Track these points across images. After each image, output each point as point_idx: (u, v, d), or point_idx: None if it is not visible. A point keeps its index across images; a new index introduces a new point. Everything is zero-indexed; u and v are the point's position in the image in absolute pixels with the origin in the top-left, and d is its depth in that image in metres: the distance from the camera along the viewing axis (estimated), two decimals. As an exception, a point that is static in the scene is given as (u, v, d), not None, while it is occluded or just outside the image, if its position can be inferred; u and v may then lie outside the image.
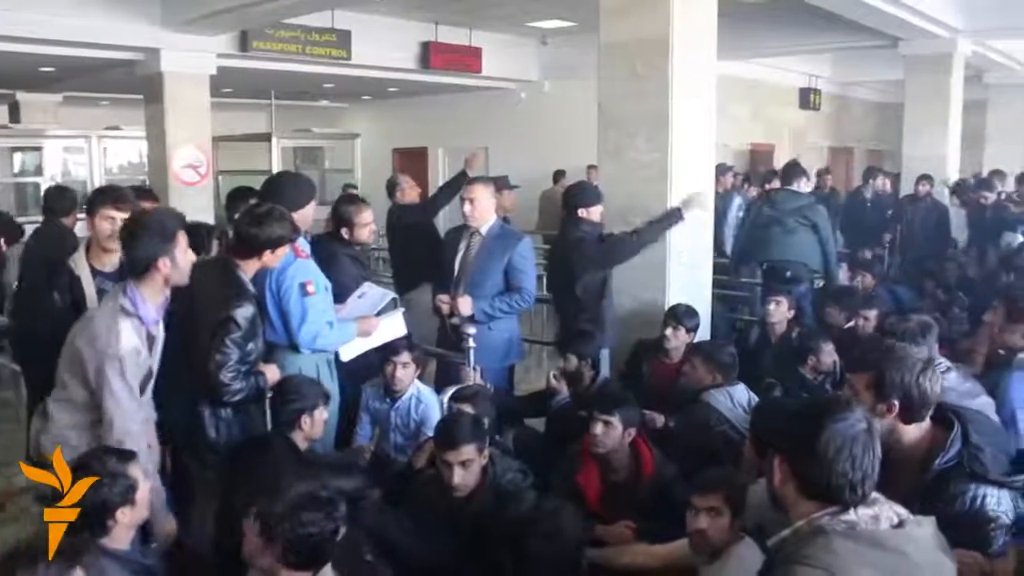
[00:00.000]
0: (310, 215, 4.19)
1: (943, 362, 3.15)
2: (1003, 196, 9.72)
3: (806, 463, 1.91)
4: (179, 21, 8.70)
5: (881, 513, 1.88)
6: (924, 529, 1.91)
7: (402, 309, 4.48)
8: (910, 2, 8.75)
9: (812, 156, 15.23)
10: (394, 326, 4.35)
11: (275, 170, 13.00)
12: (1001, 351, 3.94)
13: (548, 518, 2.78)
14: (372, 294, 4.48)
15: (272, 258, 3.66)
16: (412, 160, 15.72)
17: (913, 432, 2.38)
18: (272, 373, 3.70)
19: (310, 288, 3.90)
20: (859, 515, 1.86)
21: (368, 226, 4.86)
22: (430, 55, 11.47)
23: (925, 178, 9.65)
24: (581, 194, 5.32)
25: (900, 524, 1.89)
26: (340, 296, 4.35)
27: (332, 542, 2.41)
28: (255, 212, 3.70)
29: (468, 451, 3.26)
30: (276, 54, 10.02)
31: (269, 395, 3.72)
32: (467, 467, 3.26)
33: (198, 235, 4.77)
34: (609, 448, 3.56)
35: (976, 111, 13.20)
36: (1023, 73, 13.39)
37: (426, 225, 6.95)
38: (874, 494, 1.92)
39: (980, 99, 13.59)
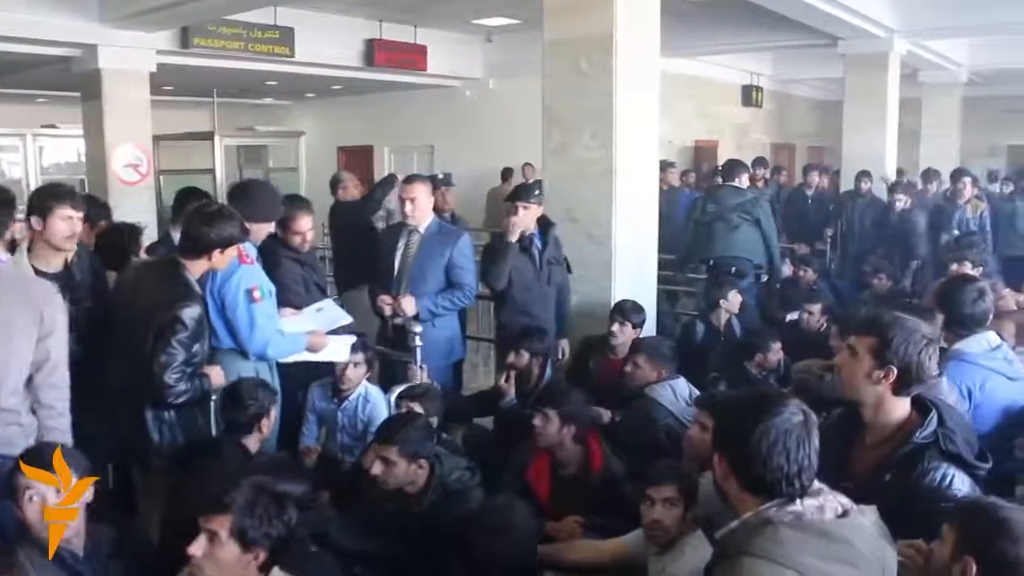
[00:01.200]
0: (269, 229, 4.18)
1: None
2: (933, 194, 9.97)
3: (741, 459, 1.94)
4: (117, 16, 8.51)
5: (826, 503, 1.92)
6: (867, 518, 1.95)
7: (352, 337, 4.39)
8: (847, 2, 8.92)
9: (755, 152, 15.44)
10: (339, 349, 4.27)
11: (218, 169, 12.87)
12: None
13: (499, 515, 2.78)
14: (330, 313, 4.42)
15: (221, 259, 3.61)
16: (358, 159, 15.61)
17: (898, 407, 2.43)
18: (216, 375, 3.65)
19: (256, 294, 3.84)
20: (805, 506, 1.89)
21: (301, 234, 4.79)
22: (374, 53, 11.39)
23: (864, 175, 9.84)
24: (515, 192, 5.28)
25: (844, 513, 1.93)
26: (282, 299, 4.30)
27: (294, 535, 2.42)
28: (204, 211, 3.64)
29: (391, 451, 3.22)
30: (218, 51, 9.87)
31: (213, 398, 3.68)
32: (388, 465, 3.22)
33: (123, 236, 4.69)
34: (549, 442, 3.59)
35: (912, 109, 13.50)
36: (955, 72, 13.74)
37: (365, 223, 6.88)
38: (818, 484, 1.96)
39: (915, 97, 13.90)
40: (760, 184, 10.54)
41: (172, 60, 9.84)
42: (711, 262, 6.96)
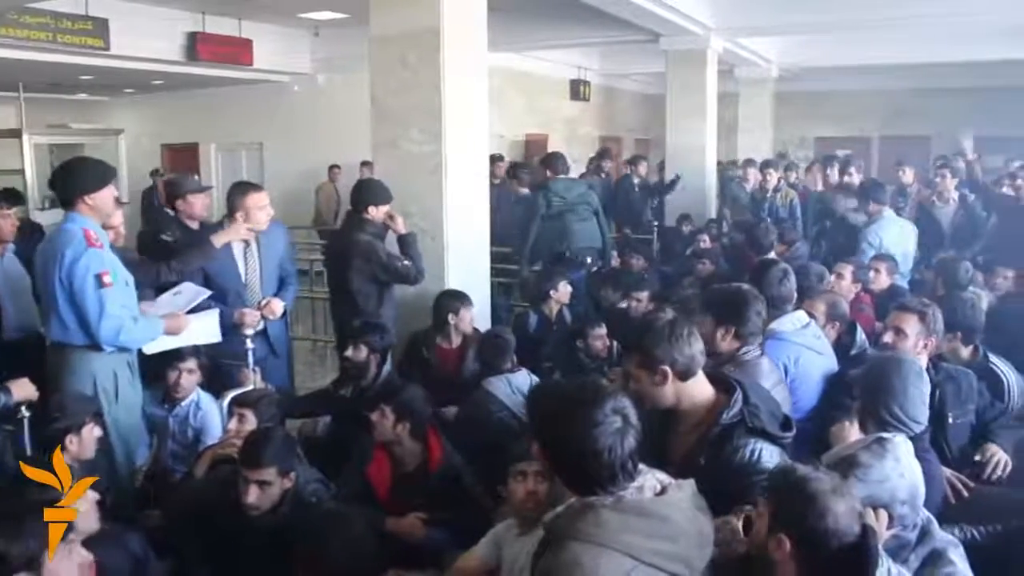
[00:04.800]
0: (108, 198, 3.86)
1: (750, 350, 3.34)
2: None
3: (563, 458, 2.01)
4: (-102, 3, 7.80)
5: (645, 483, 2.01)
6: (684, 492, 2.05)
7: (217, 309, 4.28)
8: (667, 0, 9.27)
9: (584, 145, 15.85)
10: (207, 328, 4.16)
11: (28, 169, 12.07)
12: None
13: (333, 523, 2.74)
14: (188, 291, 4.25)
15: None
16: (183, 157, 15.03)
17: (700, 391, 2.54)
18: (22, 389, 3.42)
19: (106, 279, 3.65)
20: (625, 487, 1.97)
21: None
22: (197, 46, 10.94)
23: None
24: (370, 193, 5.17)
25: (663, 491, 2.02)
26: None
27: None
28: None
29: (269, 473, 3.15)
30: (21, 41, 9.18)
31: (27, 414, 3.46)
32: (264, 489, 3.14)
33: None
34: (386, 437, 3.58)
35: (730, 103, 14.20)
36: (767, 68, 14.54)
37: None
38: (640, 466, 2.04)
39: (733, 92, 14.61)
40: (599, 175, 10.90)
41: (-33, 51, 9.13)
42: (566, 253, 7.08)
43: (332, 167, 12.73)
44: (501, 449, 3.39)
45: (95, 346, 3.73)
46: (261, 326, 4.66)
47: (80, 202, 3.73)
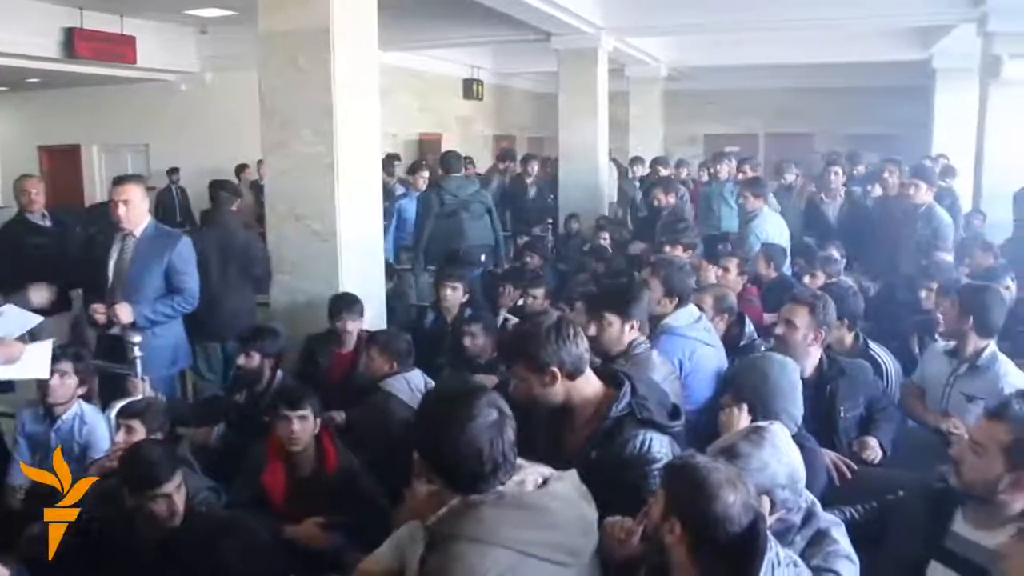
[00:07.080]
0: None
1: (640, 344, 3.42)
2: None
3: (437, 460, 2.02)
4: None
5: (527, 477, 2.04)
6: (565, 483, 2.08)
7: (51, 341, 4.03)
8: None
9: (479, 144, 15.89)
10: (39, 361, 3.85)
11: None
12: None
13: (237, 533, 2.68)
14: (10, 312, 4.01)
15: None
16: (63, 159, 14.42)
17: (589, 387, 2.58)
18: None
19: None
20: (506, 484, 2.01)
21: None
22: (75, 43, 10.48)
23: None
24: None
25: (545, 483, 2.05)
26: None
27: None
28: None
29: (169, 487, 3.03)
30: None
31: None
32: (170, 503, 3.02)
33: None
34: (306, 443, 3.54)
35: (621, 101, 14.44)
36: (656, 67, 14.85)
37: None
38: (520, 460, 2.07)
39: (623, 90, 14.87)
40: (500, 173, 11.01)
41: None
42: (462, 251, 7.06)
43: (241, 166, 12.31)
44: (405, 449, 3.40)
45: None
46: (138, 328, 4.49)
47: None
